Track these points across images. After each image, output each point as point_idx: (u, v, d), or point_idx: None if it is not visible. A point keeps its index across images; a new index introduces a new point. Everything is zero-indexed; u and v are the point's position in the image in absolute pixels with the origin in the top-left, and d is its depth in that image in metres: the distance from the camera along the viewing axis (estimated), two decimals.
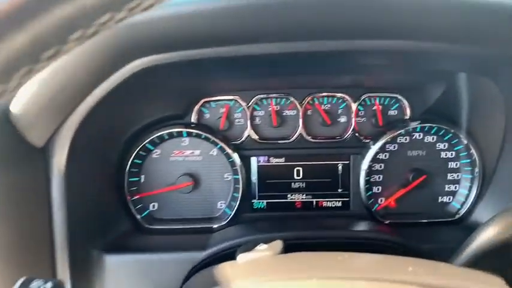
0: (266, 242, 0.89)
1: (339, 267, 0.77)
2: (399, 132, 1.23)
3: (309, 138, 1.28)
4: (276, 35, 0.83)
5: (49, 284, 0.70)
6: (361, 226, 1.22)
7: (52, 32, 0.36)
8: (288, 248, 0.87)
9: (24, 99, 0.85)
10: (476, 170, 1.23)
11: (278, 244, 0.86)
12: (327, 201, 1.30)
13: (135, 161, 1.23)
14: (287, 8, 0.80)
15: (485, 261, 0.91)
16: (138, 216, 1.23)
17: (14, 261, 0.93)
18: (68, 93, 0.86)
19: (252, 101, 1.26)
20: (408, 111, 1.27)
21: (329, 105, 1.28)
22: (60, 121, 0.90)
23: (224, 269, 0.81)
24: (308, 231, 1.11)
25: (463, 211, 1.25)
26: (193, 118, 1.26)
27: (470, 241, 0.92)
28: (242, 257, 0.85)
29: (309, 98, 1.27)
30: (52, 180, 0.95)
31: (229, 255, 0.99)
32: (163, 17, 0.80)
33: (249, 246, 0.88)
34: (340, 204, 1.30)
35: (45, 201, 0.96)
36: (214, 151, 1.26)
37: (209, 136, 1.23)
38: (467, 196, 1.25)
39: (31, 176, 0.93)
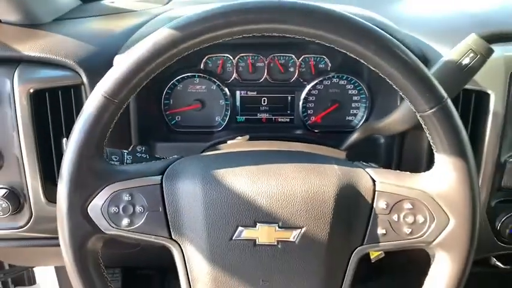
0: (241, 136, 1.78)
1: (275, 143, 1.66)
2: (324, 77, 2.00)
3: (271, 80, 2.02)
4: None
5: (144, 148, 1.56)
6: (299, 132, 2.11)
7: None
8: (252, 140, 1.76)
9: None
10: (368, 102, 2.05)
11: (246, 137, 1.75)
12: (281, 118, 2.09)
13: (167, 91, 2.04)
14: None
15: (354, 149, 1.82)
16: (170, 124, 2.10)
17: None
18: None
19: (237, 57, 2.01)
20: (330, 66, 2.03)
21: (283, 61, 2.00)
22: None
23: (219, 145, 1.71)
24: (266, 133, 2.00)
25: (359, 125, 2.10)
26: (202, 67, 2.01)
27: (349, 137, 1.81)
28: (229, 142, 1.74)
29: (271, 56, 2.03)
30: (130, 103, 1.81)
31: (222, 143, 1.87)
32: None
33: (232, 138, 1.77)
34: (288, 120, 2.08)
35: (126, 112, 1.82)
36: (214, 87, 2.03)
37: (211, 78, 2.01)
38: (362, 116, 2.07)
39: None
